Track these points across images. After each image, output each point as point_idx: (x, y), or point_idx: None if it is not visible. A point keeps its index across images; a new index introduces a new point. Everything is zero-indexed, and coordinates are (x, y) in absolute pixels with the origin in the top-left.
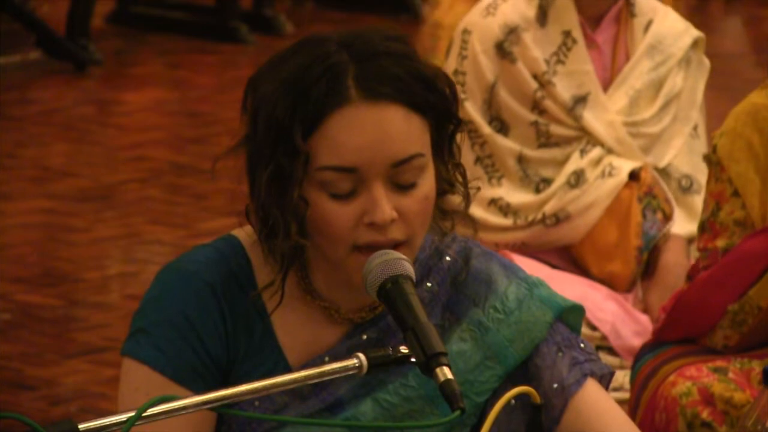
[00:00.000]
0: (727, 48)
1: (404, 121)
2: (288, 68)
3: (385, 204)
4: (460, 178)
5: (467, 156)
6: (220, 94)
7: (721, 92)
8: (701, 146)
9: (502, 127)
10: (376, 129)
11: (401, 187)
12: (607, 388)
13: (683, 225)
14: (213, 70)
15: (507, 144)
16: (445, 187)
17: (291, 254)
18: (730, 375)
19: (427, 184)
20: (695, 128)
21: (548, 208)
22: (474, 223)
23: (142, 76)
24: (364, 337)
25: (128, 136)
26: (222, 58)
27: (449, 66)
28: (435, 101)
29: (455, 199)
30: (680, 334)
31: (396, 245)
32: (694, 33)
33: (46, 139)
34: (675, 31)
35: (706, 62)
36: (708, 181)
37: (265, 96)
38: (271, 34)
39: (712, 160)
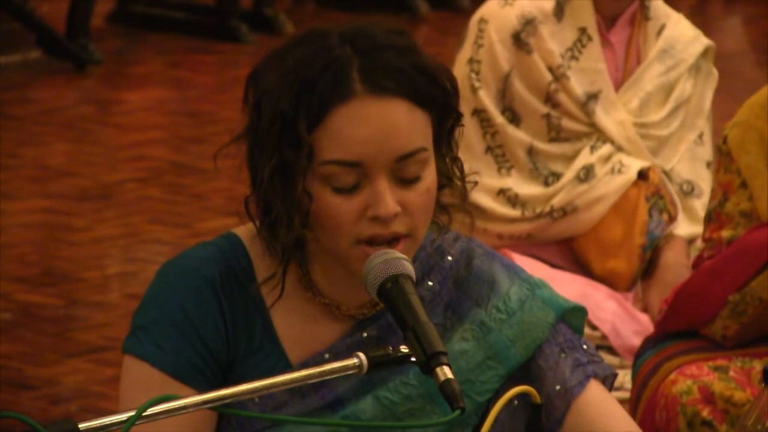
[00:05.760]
0: (727, 48)
1: (408, 115)
2: (291, 60)
3: (389, 198)
4: (457, 173)
5: (478, 145)
6: (219, 93)
7: (721, 92)
8: (705, 154)
9: (514, 118)
10: (381, 123)
11: (405, 181)
12: (610, 389)
13: (684, 226)
14: (213, 70)
15: (518, 135)
16: (443, 181)
17: (292, 246)
18: (731, 374)
19: (429, 177)
20: (700, 136)
21: (556, 201)
22: (472, 215)
23: (142, 75)
24: (365, 334)
25: (128, 135)
26: (222, 58)
27: (464, 54)
28: (437, 95)
29: (452, 193)
30: (682, 324)
31: (398, 238)
32: (705, 41)
33: (47, 139)
34: (686, 37)
35: (715, 72)
36: (717, 171)
37: (268, 88)
38: (271, 33)
39: (722, 150)
